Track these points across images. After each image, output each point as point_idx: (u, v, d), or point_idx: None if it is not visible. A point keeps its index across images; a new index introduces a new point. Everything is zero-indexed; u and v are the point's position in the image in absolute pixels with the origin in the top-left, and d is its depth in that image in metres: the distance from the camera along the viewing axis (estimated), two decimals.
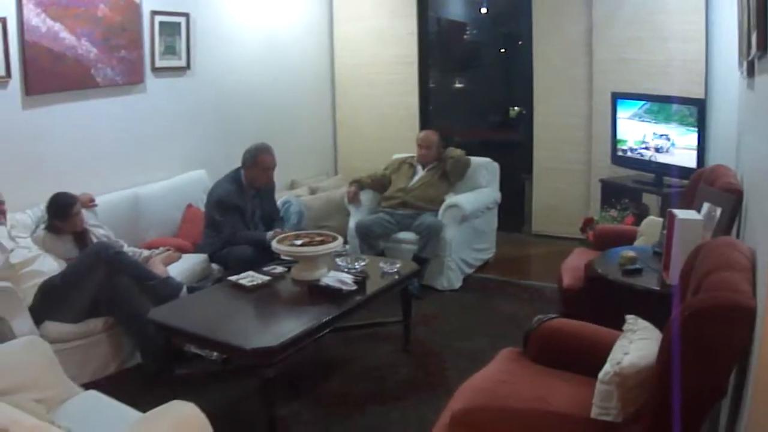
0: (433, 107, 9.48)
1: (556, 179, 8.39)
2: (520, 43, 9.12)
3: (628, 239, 5.56)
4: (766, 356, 2.35)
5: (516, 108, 9.14)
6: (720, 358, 2.68)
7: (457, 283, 6.97)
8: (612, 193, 7.33)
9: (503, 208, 7.85)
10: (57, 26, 6.12)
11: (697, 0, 7.28)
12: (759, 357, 2.46)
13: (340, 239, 5.31)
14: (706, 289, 2.77)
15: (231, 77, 8.03)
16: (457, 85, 10.13)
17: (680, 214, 4.31)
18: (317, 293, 4.96)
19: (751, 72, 4.21)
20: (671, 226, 4.34)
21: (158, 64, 7.14)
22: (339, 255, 5.60)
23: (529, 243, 8.54)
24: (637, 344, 3.09)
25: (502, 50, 9.86)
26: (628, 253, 4.73)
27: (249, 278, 5.26)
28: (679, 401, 2.56)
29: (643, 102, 7.20)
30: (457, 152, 7.39)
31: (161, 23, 7.08)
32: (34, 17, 5.94)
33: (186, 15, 7.33)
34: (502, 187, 7.78)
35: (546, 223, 8.56)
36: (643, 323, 3.30)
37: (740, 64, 4.79)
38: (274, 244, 5.29)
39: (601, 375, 2.98)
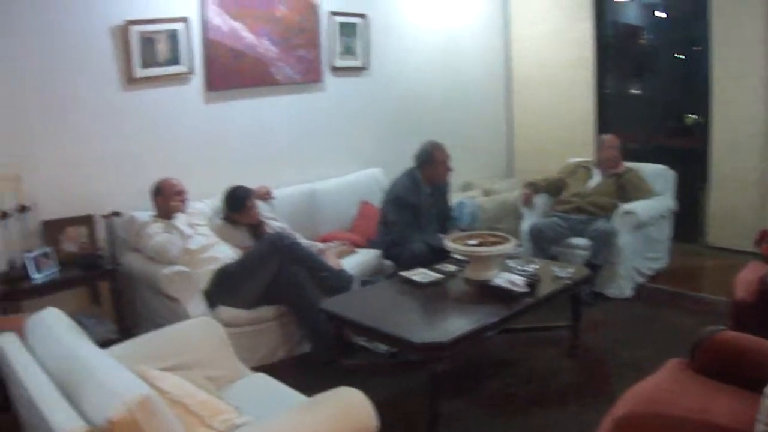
0: (613, 112, 9.37)
1: (735, 189, 8.08)
2: (697, 48, 8.86)
3: None
4: None
5: (692, 115, 8.87)
6: None
7: (628, 292, 6.83)
8: None
9: (679, 217, 7.68)
10: (238, 25, 6.44)
11: None
12: None
13: (514, 241, 5.31)
14: None
15: (407, 77, 8.21)
16: (633, 91, 9.94)
17: None
18: (488, 293, 4.97)
19: None
20: None
21: (337, 63, 7.40)
22: (511, 257, 5.58)
23: (703, 254, 8.27)
24: None
25: (679, 55, 9.62)
26: None
27: (421, 275, 5.35)
28: None
29: None
30: (645, 187, 7.21)
31: (340, 24, 7.29)
32: (216, 17, 6.30)
33: (363, 16, 7.55)
34: (680, 196, 7.61)
35: (722, 235, 8.26)
36: None
37: None
38: (448, 243, 5.32)
39: (766, 389, 2.87)
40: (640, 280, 7.06)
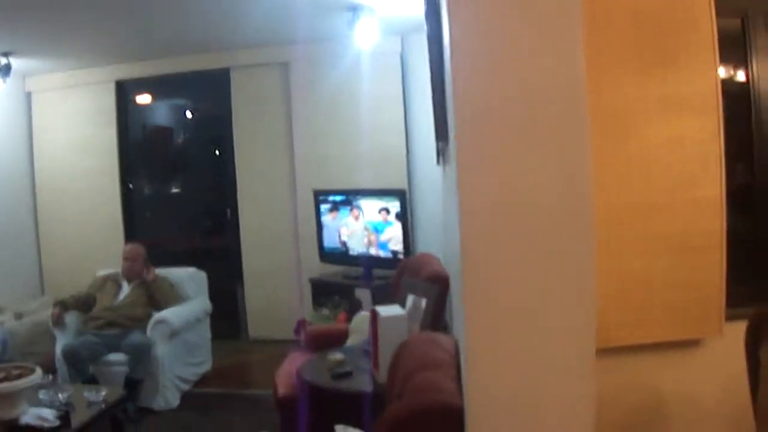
0: (146, 215, 9.37)
1: (269, 282, 8.38)
2: (222, 147, 9.03)
3: (342, 338, 5.49)
4: None
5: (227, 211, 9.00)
6: None
7: (175, 402, 6.64)
8: (323, 291, 7.34)
9: (219, 316, 7.71)
10: None
11: (394, 92, 7.62)
12: None
13: (39, 371, 4.88)
14: (409, 391, 2.67)
15: None
16: (173, 191, 9.93)
17: (383, 311, 4.27)
18: None
19: (440, 161, 4.27)
20: (375, 324, 4.26)
21: None
22: (42, 387, 5.15)
23: (247, 350, 8.38)
24: None
25: (213, 154, 9.75)
26: (336, 355, 4.66)
27: None
28: None
29: (344, 196, 7.25)
30: (174, 293, 7.15)
31: None
32: None
33: None
34: (218, 295, 7.67)
35: (263, 328, 8.44)
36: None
37: (436, 153, 4.86)
38: None
39: None
40: (186, 387, 6.90)
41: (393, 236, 6.89)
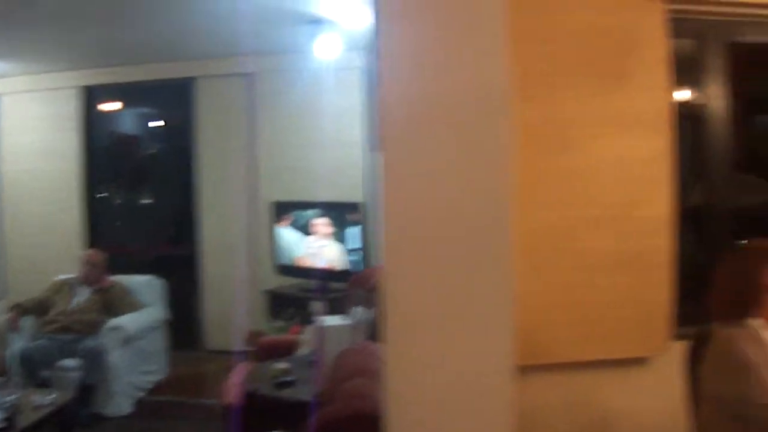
0: (115, 223, 9.31)
1: (226, 293, 8.30)
2: (186, 156, 9.01)
3: (292, 349, 5.52)
4: None
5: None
6: None
7: (127, 408, 6.60)
8: (278, 303, 7.41)
9: (178, 325, 7.71)
10: None
11: (354, 106, 7.70)
12: None
13: None
14: (338, 398, 2.66)
15: None
16: (139, 199, 9.86)
17: (326, 321, 4.26)
18: None
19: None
20: (320, 335, 4.27)
21: None
22: None
23: (203, 360, 8.34)
24: None
25: (178, 163, 9.70)
26: (280, 365, 4.69)
27: None
28: None
29: (302, 209, 7.29)
30: (130, 299, 7.13)
31: None
32: None
33: None
34: (177, 304, 7.67)
35: (220, 338, 8.38)
36: None
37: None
38: None
39: None
40: (139, 394, 6.88)
41: (343, 251, 6.94)
